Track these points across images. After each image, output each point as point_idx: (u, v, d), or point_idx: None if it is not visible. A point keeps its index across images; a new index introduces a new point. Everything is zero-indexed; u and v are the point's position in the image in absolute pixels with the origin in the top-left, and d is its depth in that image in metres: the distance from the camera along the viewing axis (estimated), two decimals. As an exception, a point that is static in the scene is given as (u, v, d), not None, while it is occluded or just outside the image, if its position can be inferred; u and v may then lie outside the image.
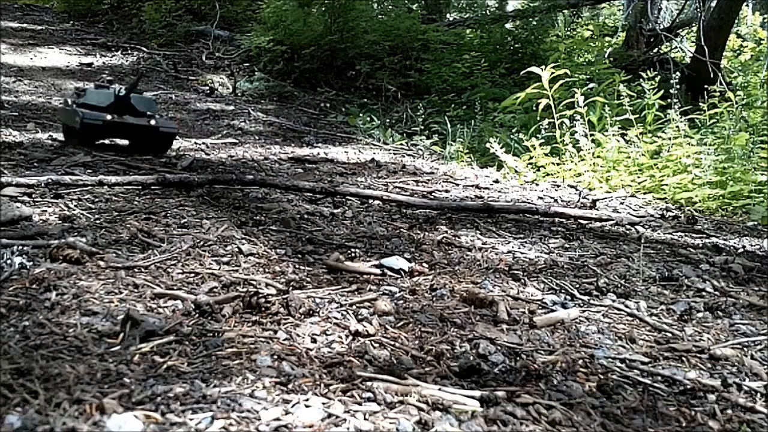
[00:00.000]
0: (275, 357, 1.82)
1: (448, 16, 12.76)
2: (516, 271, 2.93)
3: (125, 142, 5.22)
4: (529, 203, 4.60)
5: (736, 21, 9.92)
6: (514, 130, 7.02)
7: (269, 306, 2.16)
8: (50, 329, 1.86)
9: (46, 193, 3.47)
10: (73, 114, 4.96)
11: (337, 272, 2.68)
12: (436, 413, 1.61)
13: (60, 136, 5.39)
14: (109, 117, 4.80)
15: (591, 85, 7.01)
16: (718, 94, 6.43)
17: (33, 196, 3.42)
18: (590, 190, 5.41)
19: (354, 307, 2.29)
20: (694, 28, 9.30)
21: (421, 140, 7.49)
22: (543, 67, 6.14)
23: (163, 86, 9.02)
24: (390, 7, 12.53)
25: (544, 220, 4.10)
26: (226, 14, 12.07)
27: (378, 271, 2.73)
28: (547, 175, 5.88)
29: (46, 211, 3.19)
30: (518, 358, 2.01)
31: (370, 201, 4.14)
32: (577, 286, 2.81)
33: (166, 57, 10.70)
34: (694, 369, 2.08)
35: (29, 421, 1.39)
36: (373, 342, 2.01)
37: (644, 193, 5.36)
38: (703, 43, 7.59)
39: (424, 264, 2.90)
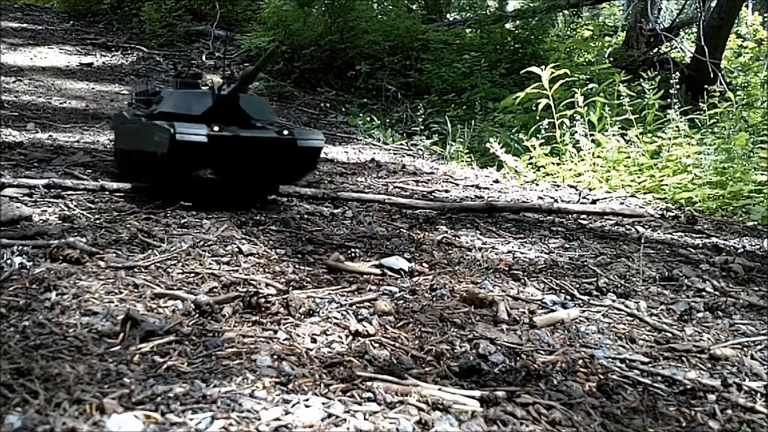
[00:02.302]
0: (275, 357, 1.82)
1: (448, 16, 12.76)
2: (516, 271, 2.93)
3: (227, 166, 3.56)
4: (530, 203, 4.60)
5: (736, 21, 9.93)
6: (514, 130, 7.02)
7: (269, 306, 2.16)
8: (50, 329, 1.86)
9: (47, 194, 3.47)
10: (148, 131, 3.41)
11: (337, 272, 2.68)
12: (436, 413, 1.61)
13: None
14: (215, 129, 3.26)
15: (591, 85, 7.01)
16: (718, 94, 6.43)
17: (33, 196, 3.43)
18: (590, 190, 5.41)
19: (354, 307, 2.29)
20: (694, 28, 9.30)
21: (421, 140, 7.49)
22: (543, 67, 6.14)
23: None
24: (390, 7, 12.53)
25: (544, 220, 4.10)
26: (226, 14, 12.07)
27: (378, 271, 2.73)
28: (547, 175, 5.88)
29: (46, 211, 3.19)
30: (518, 358, 2.01)
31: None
32: (577, 286, 2.81)
33: (166, 57, 10.70)
34: (694, 369, 2.08)
35: (29, 421, 1.39)
36: (373, 342, 2.01)
37: (644, 193, 5.36)
38: (703, 43, 7.59)
39: (424, 264, 2.90)
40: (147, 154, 3.54)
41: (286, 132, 3.46)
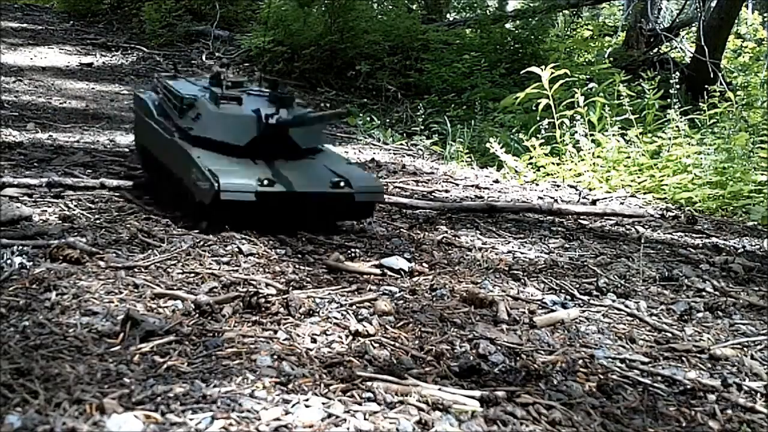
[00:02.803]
0: (275, 357, 1.82)
1: (448, 16, 12.76)
2: (516, 271, 2.93)
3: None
4: (530, 203, 4.60)
5: (736, 21, 9.93)
6: (514, 130, 7.01)
7: (269, 306, 2.16)
8: (50, 329, 1.86)
9: (47, 194, 3.47)
10: (187, 165, 3.07)
11: (337, 272, 2.68)
12: (436, 413, 1.61)
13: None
14: (264, 181, 2.96)
15: (591, 85, 7.01)
16: (718, 94, 6.43)
17: (33, 196, 3.42)
18: (590, 190, 5.41)
19: (354, 307, 2.29)
20: (694, 28, 9.30)
21: (421, 140, 7.49)
22: (543, 67, 6.14)
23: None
24: (390, 7, 12.53)
25: (544, 220, 4.10)
26: (226, 14, 12.06)
27: (378, 271, 2.73)
28: (547, 175, 5.88)
29: (46, 211, 3.19)
30: (518, 358, 2.01)
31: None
32: (577, 286, 2.81)
33: (166, 57, 10.70)
34: (694, 369, 2.08)
35: (29, 421, 1.39)
36: (373, 342, 2.01)
37: (644, 193, 5.36)
38: (703, 43, 7.58)
39: (424, 264, 2.90)
40: (184, 186, 3.14)
41: (342, 184, 3.10)
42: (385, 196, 3.87)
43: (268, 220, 3.10)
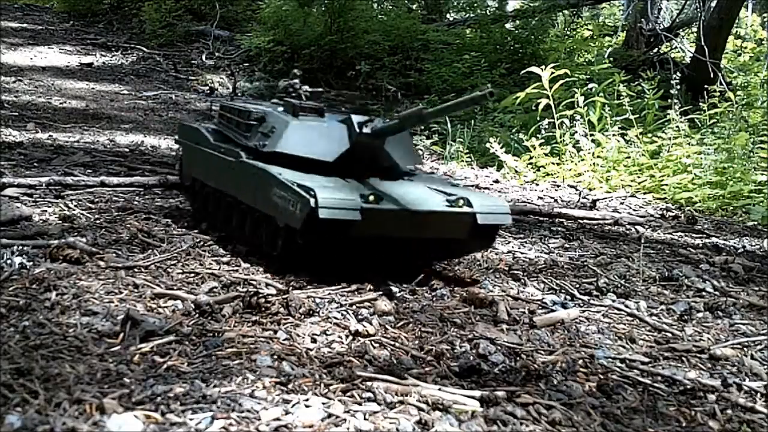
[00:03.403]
0: (275, 357, 1.82)
1: (448, 16, 12.76)
2: (516, 271, 2.93)
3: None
4: (530, 203, 4.60)
5: (736, 22, 9.92)
6: (514, 130, 7.02)
7: (269, 306, 2.16)
8: (50, 329, 1.86)
9: (48, 193, 3.48)
10: (267, 187, 2.57)
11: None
12: (436, 413, 1.61)
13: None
14: (370, 197, 2.44)
15: (591, 85, 7.01)
16: (718, 94, 6.43)
17: (33, 196, 3.43)
18: (590, 190, 5.41)
19: (354, 307, 2.29)
20: (694, 28, 9.30)
21: (421, 140, 7.49)
22: (543, 67, 6.14)
23: (163, 86, 9.03)
24: (390, 7, 12.54)
25: (543, 220, 4.10)
26: (226, 14, 12.07)
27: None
28: (547, 175, 5.88)
29: (46, 211, 3.19)
30: (518, 358, 2.01)
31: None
32: (577, 286, 2.81)
33: (166, 57, 10.71)
34: (694, 369, 2.08)
35: (29, 421, 1.39)
36: (373, 342, 2.01)
37: (644, 193, 5.36)
38: (703, 43, 7.59)
39: (424, 264, 2.90)
40: (258, 214, 2.69)
41: (462, 202, 2.59)
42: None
43: (371, 250, 2.62)
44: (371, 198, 2.43)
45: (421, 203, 2.55)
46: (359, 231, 2.42)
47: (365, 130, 2.67)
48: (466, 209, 2.58)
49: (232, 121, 3.04)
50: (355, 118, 2.72)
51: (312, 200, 2.32)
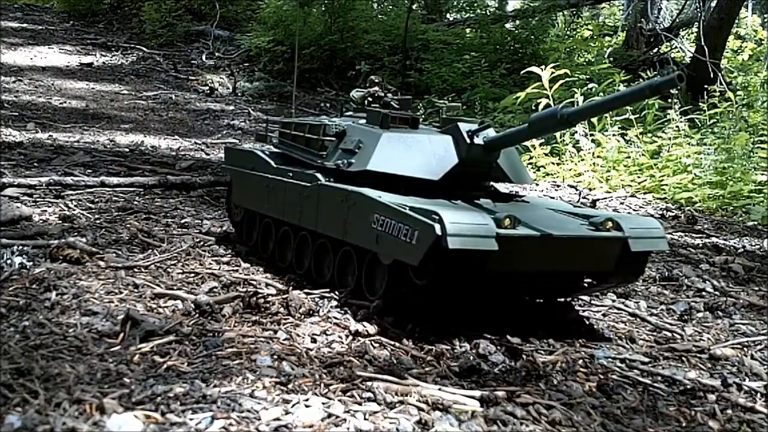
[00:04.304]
0: (275, 357, 1.82)
1: (448, 16, 12.76)
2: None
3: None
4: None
5: (736, 22, 9.92)
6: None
7: (269, 306, 2.16)
8: (50, 329, 1.86)
9: (48, 193, 3.48)
10: (360, 213, 2.16)
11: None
12: (436, 413, 1.61)
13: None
14: (507, 224, 1.98)
15: (591, 85, 7.01)
16: (718, 94, 6.43)
17: (33, 196, 3.43)
18: (590, 190, 5.41)
19: (354, 306, 2.29)
20: (694, 28, 9.30)
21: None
22: (543, 67, 6.14)
23: (163, 86, 9.03)
24: (390, 7, 12.53)
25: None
26: (226, 14, 12.07)
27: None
28: (547, 174, 5.88)
29: (46, 211, 3.19)
30: (518, 358, 2.01)
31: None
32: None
33: (166, 57, 10.71)
34: (694, 369, 2.08)
35: (29, 421, 1.39)
36: (373, 342, 2.01)
37: (644, 193, 5.36)
38: (703, 43, 7.58)
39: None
40: (347, 249, 2.28)
41: (609, 225, 2.13)
42: None
43: (504, 286, 2.15)
44: (506, 222, 1.96)
45: (563, 228, 2.09)
46: (495, 264, 1.95)
47: (477, 140, 2.23)
48: (615, 233, 2.12)
49: (299, 140, 2.62)
50: (464, 127, 2.27)
51: (437, 226, 1.86)
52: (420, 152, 2.26)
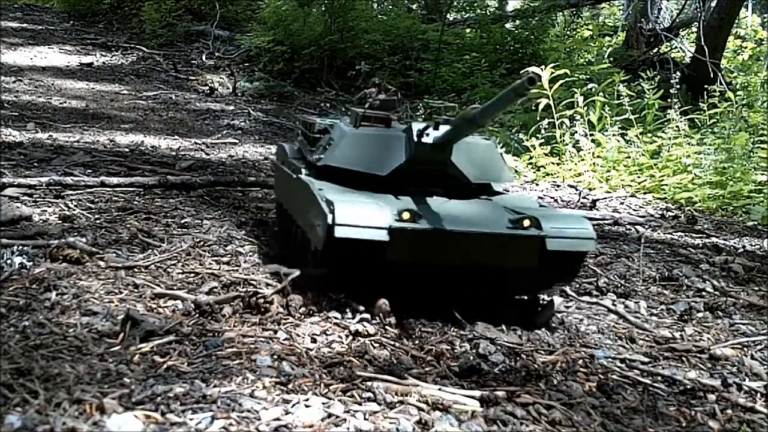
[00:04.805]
0: (275, 357, 1.82)
1: (448, 16, 12.76)
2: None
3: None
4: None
5: (736, 22, 9.92)
6: (514, 130, 7.01)
7: (269, 306, 2.16)
8: (50, 329, 1.86)
9: (48, 193, 3.47)
10: (303, 202, 2.40)
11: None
12: (436, 413, 1.61)
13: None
14: (406, 217, 2.12)
15: (591, 85, 7.01)
16: (718, 94, 6.43)
17: (33, 196, 3.42)
18: (590, 190, 5.41)
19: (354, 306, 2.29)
20: (694, 28, 9.30)
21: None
22: (543, 67, 6.14)
23: (163, 86, 9.02)
24: (390, 7, 12.53)
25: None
26: (226, 14, 12.07)
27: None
28: (547, 174, 5.88)
29: (46, 211, 3.19)
30: (518, 358, 2.01)
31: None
32: (577, 286, 2.81)
33: (166, 57, 10.70)
34: (694, 369, 2.08)
35: (29, 421, 1.39)
36: (373, 342, 2.01)
37: (644, 193, 5.36)
38: (703, 43, 7.58)
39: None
40: (301, 233, 2.48)
41: (528, 223, 2.18)
42: None
43: (407, 280, 2.25)
44: (405, 215, 2.08)
45: (474, 224, 2.17)
46: (395, 255, 2.09)
47: (425, 139, 2.32)
48: (527, 232, 2.16)
49: (304, 136, 2.85)
50: (415, 126, 2.37)
51: (330, 216, 2.03)
52: (374, 149, 2.38)
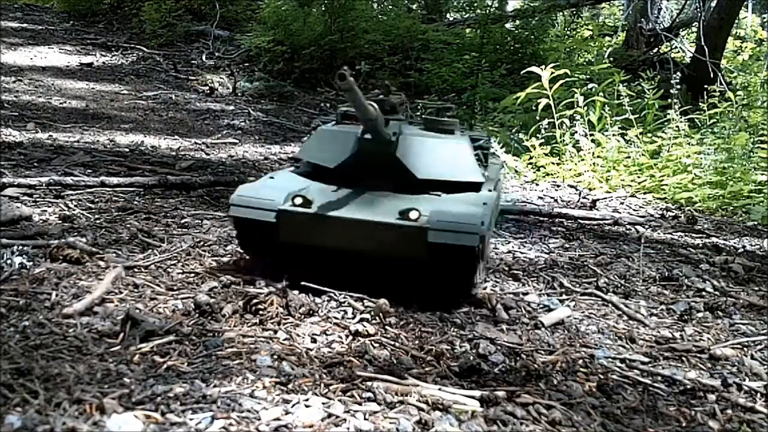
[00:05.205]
0: (275, 357, 1.82)
1: (448, 16, 12.76)
2: (516, 271, 2.93)
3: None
4: (530, 203, 4.60)
5: (735, 23, 9.92)
6: (514, 130, 7.01)
7: (269, 306, 2.16)
8: (50, 329, 1.86)
9: (48, 193, 3.47)
10: None
11: (337, 272, 2.67)
12: (436, 413, 1.61)
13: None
14: (297, 201, 2.33)
15: (591, 85, 7.01)
16: (718, 94, 6.43)
17: (33, 196, 3.42)
18: (590, 190, 5.41)
19: (353, 307, 2.29)
20: (694, 28, 9.30)
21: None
22: (543, 67, 6.14)
23: (163, 86, 9.02)
24: (390, 7, 12.53)
25: (543, 220, 4.10)
26: (226, 14, 12.07)
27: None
28: (547, 174, 5.88)
29: (46, 211, 3.19)
30: (518, 358, 2.01)
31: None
32: (577, 286, 2.81)
33: (166, 57, 10.70)
34: (694, 369, 2.08)
35: (29, 421, 1.39)
36: (373, 342, 2.01)
37: (644, 193, 5.36)
38: (703, 43, 7.58)
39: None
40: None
41: (415, 215, 2.21)
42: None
43: (303, 262, 2.39)
44: (297, 200, 2.26)
45: (363, 213, 2.25)
46: (285, 237, 2.27)
47: (367, 135, 2.45)
48: (412, 223, 2.19)
49: None
50: (393, 125, 2.50)
51: (233, 197, 2.30)
52: (330, 145, 2.57)
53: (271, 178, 2.50)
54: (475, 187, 2.58)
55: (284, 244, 2.34)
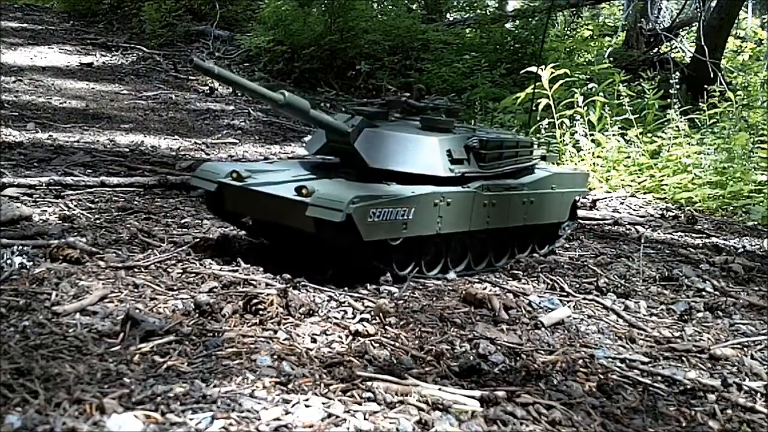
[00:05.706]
0: (275, 357, 1.82)
1: (448, 16, 12.75)
2: (516, 271, 2.93)
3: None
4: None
5: (736, 22, 9.92)
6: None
7: (269, 306, 2.16)
8: (50, 329, 1.86)
9: (48, 193, 3.47)
10: None
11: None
12: (436, 413, 1.61)
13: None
14: (234, 176, 2.65)
15: (591, 85, 7.01)
16: (718, 94, 6.43)
17: (33, 196, 3.42)
18: (590, 189, 5.41)
19: (353, 307, 2.29)
20: (694, 28, 9.30)
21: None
22: (543, 67, 6.14)
23: (163, 86, 9.02)
24: (390, 7, 12.53)
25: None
26: (226, 14, 12.06)
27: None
28: (547, 175, 5.87)
29: (46, 211, 3.19)
30: (518, 358, 2.01)
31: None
32: (577, 286, 2.81)
33: (166, 57, 10.70)
34: (694, 369, 2.08)
35: (29, 421, 1.39)
36: (373, 342, 2.01)
37: (644, 193, 5.36)
38: (703, 43, 7.58)
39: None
40: None
41: (305, 191, 2.42)
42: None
43: (237, 224, 2.93)
44: (234, 175, 2.61)
45: (272, 188, 2.55)
46: (229, 206, 2.71)
47: (337, 126, 2.73)
48: (297, 197, 2.42)
49: None
50: (340, 117, 2.79)
51: (197, 169, 2.76)
52: (318, 136, 2.87)
53: (267, 161, 2.86)
54: (435, 180, 2.67)
55: (232, 213, 2.79)
